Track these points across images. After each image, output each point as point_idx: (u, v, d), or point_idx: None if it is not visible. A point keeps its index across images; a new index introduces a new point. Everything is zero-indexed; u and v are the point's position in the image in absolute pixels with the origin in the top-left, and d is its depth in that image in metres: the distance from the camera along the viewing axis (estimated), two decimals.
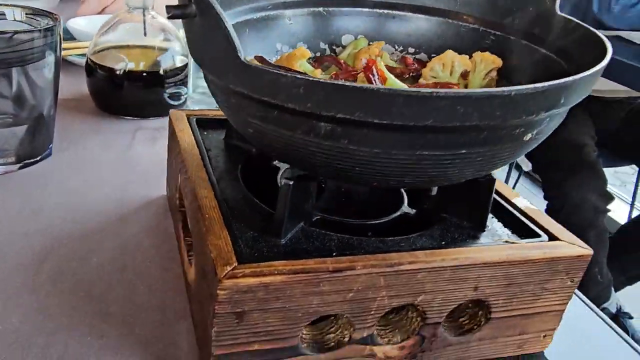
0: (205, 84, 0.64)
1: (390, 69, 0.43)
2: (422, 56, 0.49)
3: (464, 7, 0.48)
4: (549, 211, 1.69)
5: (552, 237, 0.38)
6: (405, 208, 0.41)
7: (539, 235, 0.39)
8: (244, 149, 0.45)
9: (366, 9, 0.50)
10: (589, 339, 0.45)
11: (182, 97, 0.69)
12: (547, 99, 0.29)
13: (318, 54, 0.49)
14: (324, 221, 0.38)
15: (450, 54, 0.43)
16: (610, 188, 1.72)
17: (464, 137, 0.29)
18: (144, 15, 0.66)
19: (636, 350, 0.44)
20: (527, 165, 2.08)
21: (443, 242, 0.36)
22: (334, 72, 0.43)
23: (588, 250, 0.38)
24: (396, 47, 0.50)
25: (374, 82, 0.36)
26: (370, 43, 0.49)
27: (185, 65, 0.67)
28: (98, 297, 0.40)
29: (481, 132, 0.29)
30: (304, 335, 0.34)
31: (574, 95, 0.30)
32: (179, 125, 0.45)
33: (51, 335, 0.36)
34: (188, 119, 0.47)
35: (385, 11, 0.50)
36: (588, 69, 0.31)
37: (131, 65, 0.65)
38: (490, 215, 0.40)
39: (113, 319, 0.38)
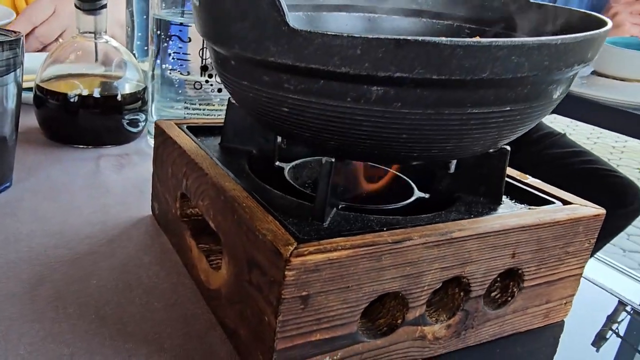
0: (169, 109, 0.62)
1: None
2: None
3: (438, 5, 0.49)
4: None
5: (564, 202, 0.39)
6: (418, 193, 0.41)
7: (553, 202, 0.40)
8: (243, 151, 0.43)
9: (345, 13, 0.50)
10: None
11: (141, 123, 0.66)
12: (582, 50, 0.30)
13: None
14: (349, 209, 0.37)
15: None
16: None
17: (510, 92, 0.30)
18: (95, 39, 0.63)
19: None
20: None
21: (472, 215, 0.36)
22: None
23: (601, 210, 0.39)
24: None
25: None
26: None
27: (143, 91, 0.65)
28: (111, 318, 0.36)
29: (526, 87, 0.30)
30: (359, 324, 0.32)
31: (596, 50, 0.32)
32: (173, 132, 0.43)
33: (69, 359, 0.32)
34: (179, 126, 0.45)
35: (365, 14, 0.50)
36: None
37: (86, 92, 0.61)
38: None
39: (135, 338, 0.34)
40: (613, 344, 0.43)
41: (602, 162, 2.03)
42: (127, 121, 0.64)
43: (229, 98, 0.43)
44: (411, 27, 0.50)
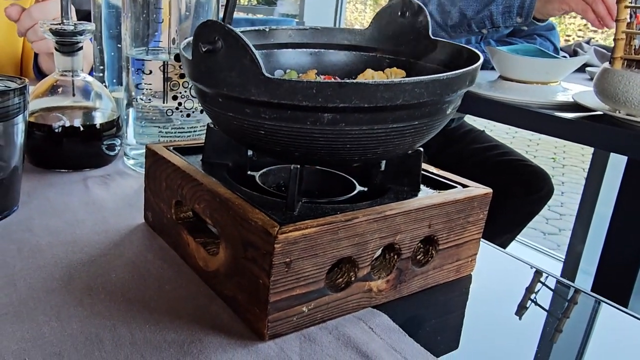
0: (143, 133, 0.73)
1: None
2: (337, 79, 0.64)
3: (362, 40, 0.63)
4: None
5: (463, 186, 0.54)
6: (359, 187, 0.54)
7: (455, 187, 0.54)
8: (221, 164, 0.55)
9: (290, 50, 0.63)
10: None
11: (117, 147, 0.76)
12: (461, 81, 0.44)
13: None
14: (310, 202, 0.49)
15: (370, 71, 0.57)
16: None
17: (417, 112, 0.44)
18: (72, 77, 0.73)
19: None
20: None
21: (399, 200, 0.50)
22: None
23: (489, 190, 0.54)
24: (317, 75, 0.64)
25: None
26: (299, 74, 0.62)
27: (117, 118, 0.75)
28: (136, 299, 0.47)
29: (427, 107, 0.44)
30: (325, 282, 0.45)
31: (472, 78, 0.46)
32: (164, 153, 0.55)
33: (114, 329, 0.43)
34: (167, 148, 0.56)
35: (306, 50, 0.63)
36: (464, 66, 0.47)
37: (68, 123, 0.71)
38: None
39: (157, 311, 0.46)
40: (514, 299, 0.57)
41: (516, 153, 2.25)
42: (105, 146, 0.74)
43: (208, 123, 0.55)
44: (345, 59, 0.64)
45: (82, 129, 0.72)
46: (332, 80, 0.40)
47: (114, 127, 0.75)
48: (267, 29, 0.62)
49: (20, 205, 0.62)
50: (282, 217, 0.43)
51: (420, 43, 0.59)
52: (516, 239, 2.37)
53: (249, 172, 0.55)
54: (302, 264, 0.42)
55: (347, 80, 0.40)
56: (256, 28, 0.61)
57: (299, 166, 0.45)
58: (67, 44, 0.71)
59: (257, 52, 0.40)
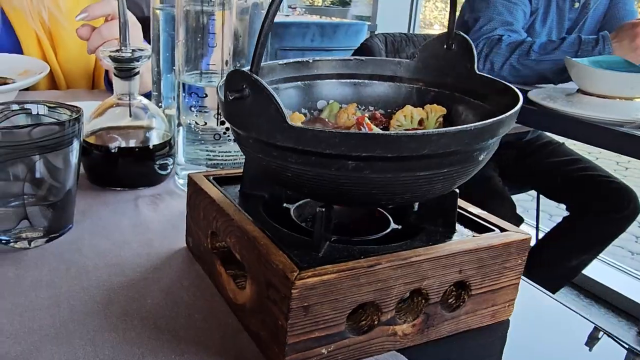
0: (193, 154, 0.75)
1: (365, 124, 0.56)
2: (379, 112, 0.63)
3: (407, 72, 0.63)
4: None
5: (501, 230, 0.52)
6: (393, 225, 0.54)
7: (493, 230, 0.53)
8: (258, 196, 0.56)
9: (334, 80, 0.64)
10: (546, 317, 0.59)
11: (169, 167, 0.79)
12: (492, 130, 0.43)
13: (307, 118, 0.62)
14: (339, 241, 0.50)
15: (409, 107, 0.57)
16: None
17: (445, 160, 0.43)
18: (130, 100, 0.76)
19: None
20: None
21: (431, 243, 0.49)
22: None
23: (528, 235, 0.52)
24: (359, 107, 0.64)
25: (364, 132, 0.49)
26: (342, 106, 0.63)
27: (170, 139, 0.78)
28: (166, 328, 0.49)
29: (456, 155, 0.43)
30: (346, 325, 0.45)
31: (506, 126, 0.45)
32: (203, 184, 0.56)
33: (142, 358, 0.45)
34: (207, 178, 0.58)
35: (349, 80, 0.64)
36: (505, 109, 0.46)
37: (124, 143, 0.75)
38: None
39: (185, 341, 0.47)
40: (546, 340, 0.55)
41: (599, 168, 2.16)
42: (158, 165, 0.77)
43: None
44: (389, 90, 0.64)
45: (136, 149, 0.76)
46: (354, 131, 0.41)
47: (167, 147, 0.78)
48: (310, 60, 0.63)
49: (75, 224, 0.66)
50: (304, 260, 0.44)
51: (464, 77, 0.58)
52: (600, 258, 2.27)
53: (284, 205, 0.56)
54: (321, 309, 0.43)
55: (369, 132, 0.40)
56: (299, 60, 0.62)
57: (324, 209, 0.45)
58: (124, 70, 0.74)
59: (281, 102, 0.41)
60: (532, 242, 2.41)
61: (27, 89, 1.24)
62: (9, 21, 1.25)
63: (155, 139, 0.77)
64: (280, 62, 0.61)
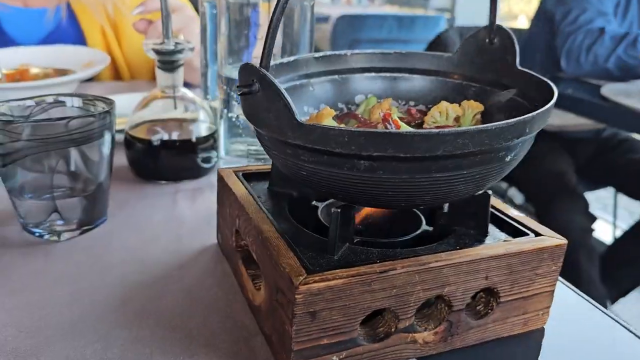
0: (235, 148, 0.75)
1: (400, 120, 0.54)
2: (421, 107, 0.60)
3: (449, 66, 0.60)
4: None
5: (536, 234, 0.49)
6: (425, 226, 0.51)
7: (527, 234, 0.49)
8: (285, 193, 0.55)
9: (373, 74, 0.61)
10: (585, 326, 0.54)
11: (213, 160, 0.79)
12: (517, 129, 0.40)
13: (338, 112, 0.60)
14: (363, 242, 0.48)
15: (444, 103, 0.54)
16: (593, 211, 1.86)
17: (465, 161, 0.40)
18: (174, 92, 0.76)
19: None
20: (518, 199, 2.25)
21: (458, 247, 0.46)
22: (356, 125, 0.53)
23: (563, 240, 0.48)
24: (399, 102, 0.61)
25: (390, 129, 0.47)
26: (379, 100, 0.60)
27: (214, 132, 0.78)
28: (180, 327, 0.48)
29: (476, 156, 0.40)
30: (359, 332, 0.43)
31: (535, 125, 0.41)
32: (230, 180, 0.56)
33: (150, 357, 0.45)
34: (235, 174, 0.57)
35: (388, 74, 0.61)
36: (543, 106, 0.42)
37: (166, 137, 0.75)
38: (489, 225, 0.51)
39: (198, 342, 0.47)
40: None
41: None
42: (201, 159, 0.77)
43: None
44: (429, 85, 0.61)
45: (178, 142, 0.76)
46: (363, 129, 0.38)
47: (210, 140, 0.78)
48: (348, 54, 0.61)
49: (110, 217, 0.66)
50: (317, 263, 0.42)
51: (506, 72, 0.55)
52: None
53: (313, 203, 0.54)
54: (330, 314, 0.41)
55: (379, 130, 0.38)
56: (336, 53, 0.60)
57: (340, 210, 0.43)
58: (167, 62, 0.75)
59: (289, 98, 0.39)
60: (609, 240, 2.29)
61: (90, 80, 1.28)
62: (74, 13, 1.30)
63: (198, 132, 0.77)
64: (316, 55, 0.59)
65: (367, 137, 0.38)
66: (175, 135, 0.76)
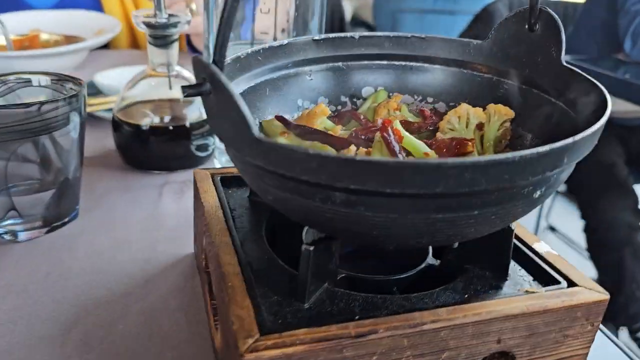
0: None
1: (408, 124, 0.43)
2: (440, 105, 0.50)
3: (477, 57, 0.49)
4: (586, 230, 1.69)
5: (571, 283, 0.38)
6: (430, 259, 0.42)
7: (558, 282, 0.39)
8: (268, 205, 0.46)
9: (385, 62, 0.51)
10: None
11: (210, 147, 0.70)
12: (551, 160, 0.29)
13: (340, 107, 0.50)
14: (349, 279, 0.38)
15: (464, 106, 0.43)
16: None
17: (475, 200, 0.30)
18: (168, 70, 0.68)
19: None
20: (561, 187, 2.09)
21: (466, 296, 0.37)
22: (354, 128, 0.43)
23: (604, 295, 0.38)
24: (415, 97, 0.51)
25: (390, 142, 0.37)
26: (390, 94, 0.50)
27: None
28: None
29: (491, 194, 0.30)
30: None
31: (576, 153, 0.31)
32: (203, 186, 0.47)
33: None
34: (212, 177, 0.48)
35: (403, 63, 0.51)
36: (592, 119, 0.32)
37: (157, 120, 0.67)
38: (512, 263, 0.41)
39: None
40: None
41: None
42: (195, 146, 0.69)
43: None
44: (451, 79, 0.50)
45: (171, 127, 0.67)
46: (336, 154, 0.28)
47: (206, 125, 0.69)
48: (356, 37, 0.50)
49: (84, 212, 0.59)
50: (278, 316, 0.33)
51: (547, 69, 0.44)
52: None
53: None
54: None
55: (356, 157, 0.28)
56: (341, 36, 0.50)
57: (312, 247, 0.34)
58: (159, 37, 0.66)
59: (245, 107, 0.30)
60: None
61: (105, 47, 1.20)
62: None
63: (194, 115, 0.69)
64: (316, 37, 0.49)
65: (342, 165, 0.28)
66: (167, 119, 0.68)
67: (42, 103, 0.48)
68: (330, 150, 0.41)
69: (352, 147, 0.40)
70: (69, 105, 0.50)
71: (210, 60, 0.31)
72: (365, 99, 0.51)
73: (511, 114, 0.43)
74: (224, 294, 0.35)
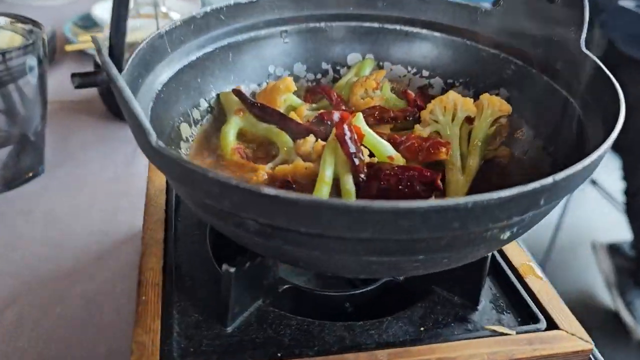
0: None
1: (382, 112, 0.36)
2: (436, 81, 0.43)
3: (485, 27, 0.41)
4: (626, 193, 1.58)
5: (551, 324, 0.32)
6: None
7: (537, 320, 0.33)
8: None
9: (376, 24, 0.44)
10: None
11: None
12: (520, 205, 0.23)
13: (320, 76, 0.43)
14: (295, 291, 0.33)
15: (452, 95, 0.36)
16: None
17: (419, 245, 0.24)
18: (155, 11, 0.61)
19: None
20: None
21: (422, 328, 0.31)
22: (321, 111, 0.37)
23: (588, 345, 0.31)
24: (409, 69, 0.44)
25: (347, 142, 0.31)
26: (381, 64, 0.43)
27: None
28: (53, 358, 0.37)
29: (440, 240, 0.24)
30: None
31: (559, 193, 0.24)
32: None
33: None
34: None
35: (398, 27, 0.43)
36: (600, 137, 0.25)
37: None
38: (488, 285, 0.35)
39: None
40: None
41: None
42: None
43: None
44: (451, 50, 0.43)
45: None
46: (241, 182, 0.22)
47: None
48: None
49: (49, 169, 0.54)
50: (191, 342, 0.28)
51: (564, 53, 0.36)
52: None
53: None
54: None
55: (263, 189, 0.22)
56: None
57: (233, 269, 0.29)
58: None
59: (139, 112, 0.24)
60: None
61: None
62: None
63: None
64: None
65: (246, 196, 0.22)
66: None
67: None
68: (285, 139, 0.35)
69: (310, 138, 0.34)
70: (24, 56, 0.45)
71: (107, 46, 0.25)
72: (349, 67, 0.44)
73: (507, 109, 0.36)
74: (136, 307, 0.30)
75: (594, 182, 2.25)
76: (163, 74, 0.35)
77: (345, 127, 0.31)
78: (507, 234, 0.25)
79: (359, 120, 0.32)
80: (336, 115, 0.32)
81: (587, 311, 1.35)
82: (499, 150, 0.36)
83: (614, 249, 1.57)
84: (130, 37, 0.62)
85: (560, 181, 0.23)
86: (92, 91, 0.67)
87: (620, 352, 1.26)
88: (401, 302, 0.33)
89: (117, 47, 0.26)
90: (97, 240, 0.47)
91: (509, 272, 0.35)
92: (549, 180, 0.23)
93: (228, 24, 0.40)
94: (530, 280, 0.35)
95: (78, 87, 0.26)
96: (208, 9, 0.39)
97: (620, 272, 1.50)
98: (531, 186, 0.22)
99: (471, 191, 0.33)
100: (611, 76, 0.32)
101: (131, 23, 0.61)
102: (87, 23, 0.81)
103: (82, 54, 0.74)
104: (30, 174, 0.52)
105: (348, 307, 0.34)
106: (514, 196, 0.22)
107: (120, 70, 0.26)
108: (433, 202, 0.21)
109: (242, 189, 0.22)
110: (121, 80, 0.24)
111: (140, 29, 0.62)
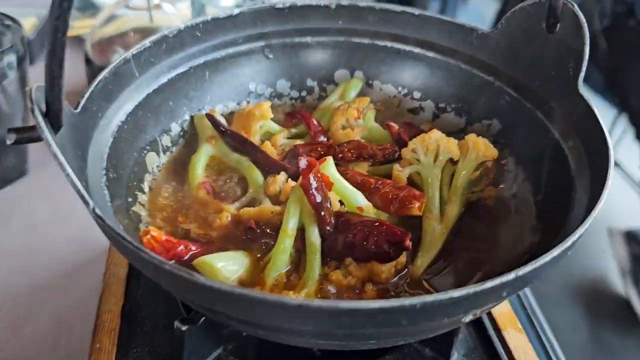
0: None
1: (360, 148, 0.34)
2: (428, 104, 0.41)
3: (480, 50, 0.38)
4: None
5: None
6: None
7: None
8: None
9: (366, 40, 0.41)
10: None
11: None
12: (479, 301, 0.21)
13: (305, 93, 0.41)
14: (257, 339, 0.32)
15: (435, 135, 0.33)
16: None
17: (367, 334, 0.22)
18: (148, 2, 0.59)
19: None
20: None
21: None
22: (296, 143, 0.35)
23: None
24: (399, 90, 0.42)
25: (313, 193, 0.29)
26: (370, 82, 0.41)
27: None
28: None
29: (389, 330, 0.22)
30: None
31: (523, 285, 0.22)
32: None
33: None
34: None
35: (389, 44, 0.41)
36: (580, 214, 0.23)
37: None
38: (465, 336, 0.33)
39: None
40: None
41: None
42: None
43: None
44: (444, 72, 0.40)
45: None
46: (175, 268, 0.21)
47: None
48: (332, 6, 0.41)
49: (32, 169, 0.52)
50: None
51: (560, 90, 0.34)
52: None
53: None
54: None
55: (195, 277, 0.20)
56: (315, 4, 0.40)
57: (185, 327, 0.27)
58: None
59: (75, 178, 0.22)
60: None
61: None
62: None
63: None
64: (279, 5, 0.40)
65: (178, 281, 0.21)
66: None
67: None
68: (255, 176, 0.34)
69: (280, 177, 0.33)
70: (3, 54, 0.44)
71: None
72: (337, 85, 0.42)
73: (493, 154, 0.33)
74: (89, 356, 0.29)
75: (616, 165, 2.19)
76: (128, 102, 0.33)
77: (312, 177, 0.29)
78: (470, 317, 0.24)
79: (329, 166, 0.30)
80: (303, 162, 0.30)
81: (598, 298, 1.33)
82: (485, 192, 0.34)
83: (630, 236, 1.54)
84: (120, 29, 0.61)
85: (523, 276, 0.21)
86: (80, 86, 0.65)
87: (629, 340, 1.24)
88: (369, 353, 0.31)
89: (54, 104, 0.24)
90: (75, 250, 0.46)
91: (487, 322, 0.34)
92: (510, 276, 0.21)
93: (205, 40, 0.38)
94: (509, 335, 0.33)
95: (15, 143, 0.24)
96: (182, 26, 0.36)
97: (635, 260, 1.48)
98: (489, 284, 0.20)
99: (448, 243, 0.31)
100: (605, 130, 0.29)
101: (123, 12, 0.59)
102: (84, 4, 0.79)
103: (77, 39, 0.72)
104: (15, 175, 0.51)
105: (316, 352, 0.33)
106: (470, 295, 0.20)
107: (58, 126, 0.24)
108: (377, 303, 0.19)
109: (175, 274, 0.21)
110: (54, 145, 0.22)
111: (132, 19, 0.60)
